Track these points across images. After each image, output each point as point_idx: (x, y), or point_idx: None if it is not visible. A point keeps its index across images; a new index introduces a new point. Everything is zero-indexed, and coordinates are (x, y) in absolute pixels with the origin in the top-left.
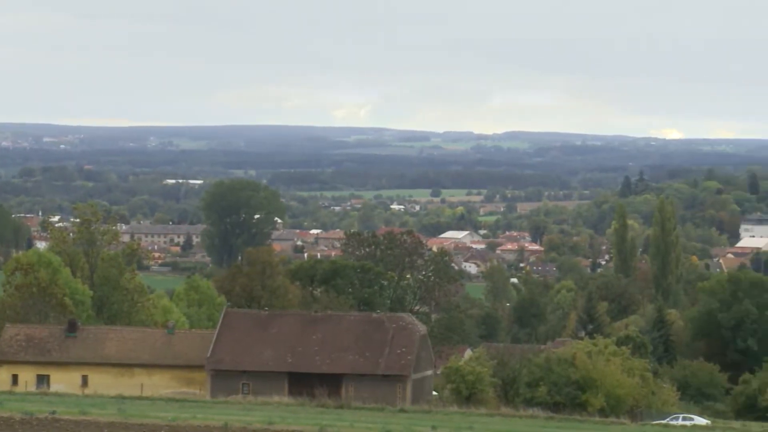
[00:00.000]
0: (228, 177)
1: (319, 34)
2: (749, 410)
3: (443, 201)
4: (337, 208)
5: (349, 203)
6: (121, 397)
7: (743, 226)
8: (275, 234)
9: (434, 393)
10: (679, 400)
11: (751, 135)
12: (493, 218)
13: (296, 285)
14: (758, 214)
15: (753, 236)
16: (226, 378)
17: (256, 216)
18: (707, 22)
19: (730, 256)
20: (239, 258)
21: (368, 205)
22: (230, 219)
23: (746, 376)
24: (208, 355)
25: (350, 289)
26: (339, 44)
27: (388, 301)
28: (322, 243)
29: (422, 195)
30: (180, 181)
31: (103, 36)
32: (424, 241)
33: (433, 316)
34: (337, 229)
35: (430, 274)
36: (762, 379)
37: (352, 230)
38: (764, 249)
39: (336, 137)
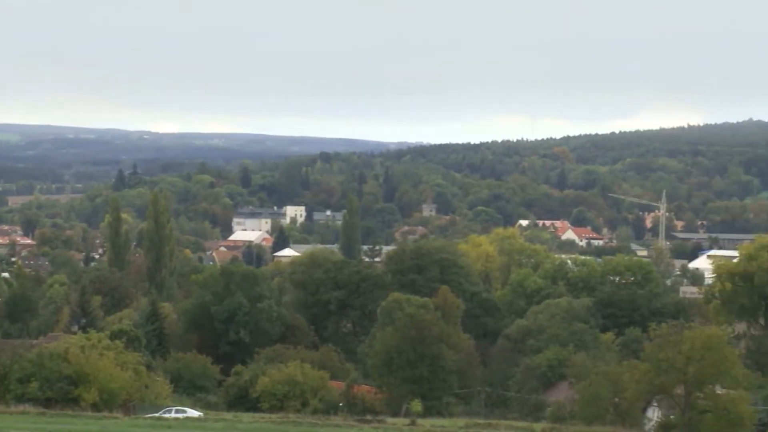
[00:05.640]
0: None
1: None
2: (241, 401)
3: None
4: None
5: None
6: None
7: (236, 220)
8: None
9: None
10: (172, 393)
11: (242, 129)
12: None
13: None
14: (250, 207)
15: (245, 229)
16: None
17: None
18: (197, 17)
19: (222, 249)
20: None
21: None
22: None
23: (238, 367)
24: None
25: None
26: None
27: None
28: None
29: None
30: None
31: None
32: None
33: None
34: None
35: None
36: (253, 371)
37: None
38: (256, 242)
39: None
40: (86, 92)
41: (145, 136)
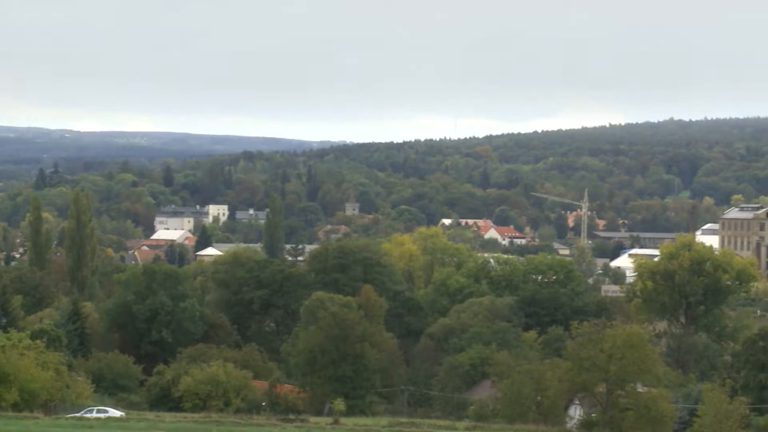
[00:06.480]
0: None
1: None
2: (163, 401)
3: None
4: None
5: None
6: None
7: (158, 219)
8: None
9: None
10: (94, 393)
11: (165, 128)
12: None
13: None
14: (172, 206)
15: (167, 228)
16: None
17: None
18: (119, 15)
19: (145, 248)
20: None
21: None
22: None
23: (160, 367)
24: None
25: None
26: None
27: None
28: None
29: None
30: None
31: None
32: None
33: None
34: None
35: None
36: (176, 371)
37: None
38: (178, 241)
39: None
40: (6, 90)
41: (67, 135)
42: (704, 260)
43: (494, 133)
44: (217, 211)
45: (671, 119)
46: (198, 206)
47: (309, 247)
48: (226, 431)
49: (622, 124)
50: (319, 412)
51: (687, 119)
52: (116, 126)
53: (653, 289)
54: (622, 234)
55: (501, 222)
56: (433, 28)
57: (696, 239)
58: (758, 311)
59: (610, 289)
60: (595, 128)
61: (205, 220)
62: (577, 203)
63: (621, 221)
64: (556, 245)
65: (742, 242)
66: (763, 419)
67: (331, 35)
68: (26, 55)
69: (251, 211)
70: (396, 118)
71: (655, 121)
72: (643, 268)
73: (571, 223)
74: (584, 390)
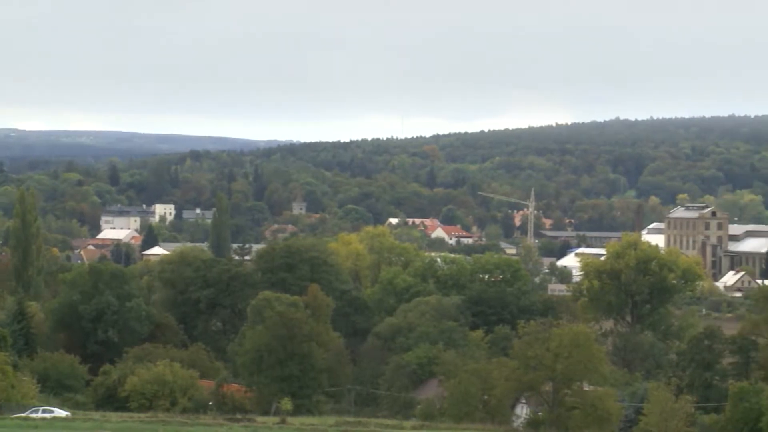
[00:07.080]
0: None
1: None
2: (109, 401)
3: None
4: None
5: None
6: None
7: (104, 218)
8: None
9: None
10: (39, 393)
11: (111, 127)
12: None
13: None
14: (119, 205)
15: (114, 228)
16: None
17: None
18: (64, 13)
19: (91, 247)
20: None
21: None
22: None
23: (107, 367)
24: None
25: None
26: None
27: None
28: None
29: None
30: None
31: None
32: None
33: None
34: None
35: None
36: (122, 370)
37: None
38: (124, 240)
39: None
40: None
41: (12, 134)
42: (650, 259)
43: (441, 133)
44: (164, 211)
45: (617, 119)
46: (144, 205)
47: (256, 247)
48: (172, 431)
49: (569, 123)
50: (266, 412)
51: (633, 119)
52: (62, 125)
53: (599, 288)
54: (569, 233)
55: (448, 221)
56: (380, 27)
57: (642, 238)
58: (703, 310)
59: (556, 288)
60: (541, 128)
61: (151, 219)
62: (524, 202)
63: (567, 220)
64: (502, 244)
65: (687, 241)
66: (708, 417)
67: (276, 34)
68: None
69: (198, 211)
70: (343, 117)
71: (601, 121)
72: (589, 267)
73: (517, 222)
74: (531, 389)
